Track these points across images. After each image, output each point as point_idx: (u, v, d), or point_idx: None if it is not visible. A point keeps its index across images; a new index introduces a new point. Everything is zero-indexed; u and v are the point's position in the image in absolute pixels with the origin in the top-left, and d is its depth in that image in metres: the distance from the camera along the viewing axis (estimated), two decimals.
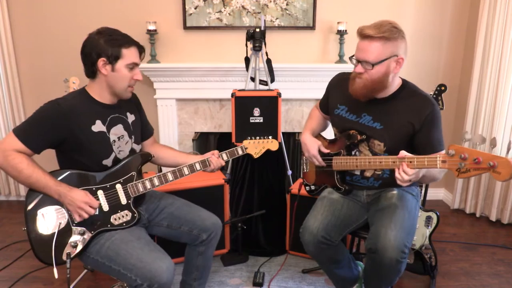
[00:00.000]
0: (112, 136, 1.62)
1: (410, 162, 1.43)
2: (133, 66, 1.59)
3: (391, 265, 1.54)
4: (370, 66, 1.54)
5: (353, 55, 1.60)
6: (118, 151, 1.64)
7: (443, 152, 1.61)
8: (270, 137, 1.86)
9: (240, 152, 1.80)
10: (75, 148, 1.55)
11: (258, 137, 1.85)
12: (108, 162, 1.61)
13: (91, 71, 1.58)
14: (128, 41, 1.57)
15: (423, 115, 1.59)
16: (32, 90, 3.21)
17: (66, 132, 1.52)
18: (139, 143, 1.78)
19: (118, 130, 1.65)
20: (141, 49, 1.63)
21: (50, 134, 1.51)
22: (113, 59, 1.54)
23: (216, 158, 1.75)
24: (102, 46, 1.52)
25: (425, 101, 1.62)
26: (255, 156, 1.85)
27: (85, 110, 1.56)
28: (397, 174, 1.46)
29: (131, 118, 1.73)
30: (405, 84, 1.67)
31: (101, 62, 1.54)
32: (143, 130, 1.84)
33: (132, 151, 1.71)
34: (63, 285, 2.20)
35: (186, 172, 1.71)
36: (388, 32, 1.50)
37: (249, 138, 1.84)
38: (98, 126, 1.58)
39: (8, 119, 3.21)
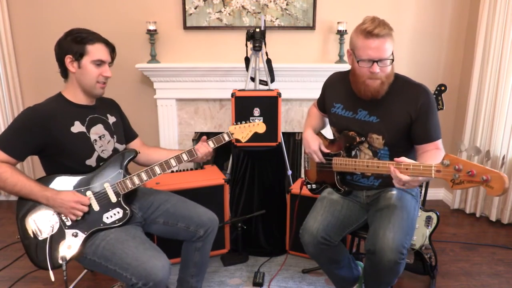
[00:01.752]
0: (93, 136, 1.63)
1: (406, 169, 1.42)
2: (100, 62, 1.60)
3: (389, 267, 1.54)
4: (387, 63, 1.55)
5: (362, 59, 1.55)
6: (100, 151, 1.65)
7: (440, 141, 1.63)
8: (256, 120, 1.83)
9: (227, 138, 1.79)
10: (57, 151, 1.56)
11: (243, 122, 1.83)
12: (91, 162, 1.62)
13: (63, 71, 1.61)
14: (94, 37, 1.58)
15: (418, 104, 1.60)
16: (32, 90, 3.21)
17: (46, 137, 1.53)
18: (122, 143, 1.78)
19: (98, 129, 1.66)
20: (110, 47, 1.64)
21: (30, 141, 1.52)
22: (78, 55, 1.56)
23: (201, 144, 1.74)
24: (68, 44, 1.56)
25: (418, 90, 1.62)
26: (243, 141, 1.82)
27: (62, 113, 1.58)
28: (393, 173, 1.45)
29: (111, 119, 1.75)
30: (396, 76, 1.67)
31: (67, 59, 1.57)
32: (126, 133, 1.85)
33: (115, 150, 1.72)
34: (63, 285, 2.19)
35: (173, 164, 1.70)
36: (390, 28, 1.54)
37: (235, 123, 1.82)
38: (77, 127, 1.59)
39: (8, 119, 3.20)
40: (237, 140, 1.83)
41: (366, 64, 1.55)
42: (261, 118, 2.39)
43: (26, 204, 1.54)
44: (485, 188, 1.25)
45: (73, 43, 1.55)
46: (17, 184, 1.50)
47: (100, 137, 1.65)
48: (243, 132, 1.82)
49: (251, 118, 2.39)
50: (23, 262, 2.41)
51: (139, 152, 1.75)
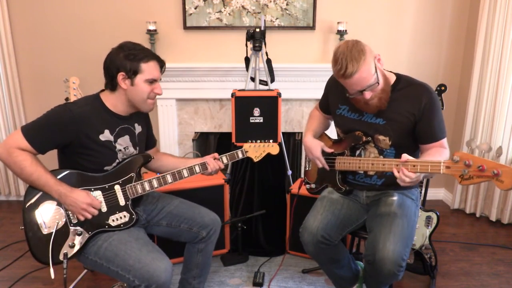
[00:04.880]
0: (118, 146, 1.63)
1: (414, 166, 1.43)
2: (152, 81, 1.60)
3: (388, 277, 1.55)
4: (376, 85, 1.55)
5: (350, 94, 1.60)
6: (121, 160, 1.65)
7: (445, 140, 1.65)
8: (271, 140, 1.86)
9: (240, 155, 1.81)
10: (79, 152, 1.56)
11: (259, 141, 1.84)
12: (109, 167, 1.62)
13: (111, 84, 1.59)
14: (147, 55, 1.57)
15: (422, 104, 1.60)
16: (32, 90, 3.21)
17: (73, 138, 1.52)
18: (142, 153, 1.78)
19: (124, 141, 1.66)
20: (161, 63, 1.64)
21: (57, 138, 1.52)
22: (132, 73, 1.55)
23: (213, 160, 1.75)
24: (121, 61, 1.54)
25: (421, 89, 1.62)
26: (255, 160, 1.85)
27: (95, 119, 1.57)
28: (397, 174, 1.46)
29: (138, 129, 1.74)
30: (399, 77, 1.68)
31: (120, 76, 1.55)
32: (147, 140, 1.85)
33: None
34: (63, 285, 2.20)
35: (186, 175, 1.71)
36: (360, 52, 1.49)
37: (249, 141, 1.84)
38: (106, 135, 1.58)
39: (8, 119, 3.20)
40: (250, 159, 1.85)
41: (357, 95, 1.59)
42: (261, 118, 2.39)
43: (35, 194, 1.54)
44: (495, 182, 1.27)
45: (127, 60, 1.54)
46: (33, 174, 1.49)
47: (124, 148, 1.65)
48: (256, 152, 1.84)
49: (251, 118, 2.39)
50: (23, 262, 2.41)
51: (153, 158, 1.75)
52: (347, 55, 1.49)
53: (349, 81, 1.53)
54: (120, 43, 1.59)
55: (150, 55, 1.59)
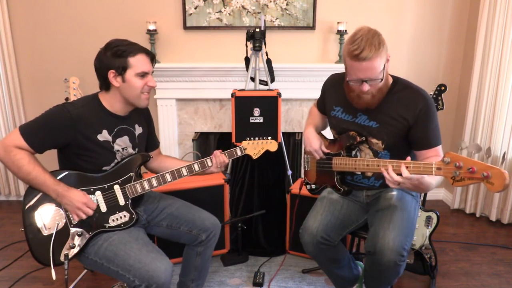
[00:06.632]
0: (117, 146, 1.63)
1: (407, 167, 1.42)
2: (143, 74, 1.59)
3: (389, 267, 1.54)
4: (379, 81, 1.54)
5: (349, 80, 1.56)
6: (120, 160, 1.65)
7: (440, 148, 1.62)
8: (269, 137, 1.85)
9: (239, 153, 1.80)
10: (77, 152, 1.56)
11: (257, 138, 1.84)
12: (108, 168, 1.62)
13: (105, 84, 1.59)
14: (134, 49, 1.56)
15: (416, 110, 1.59)
16: (32, 90, 3.21)
17: (71, 138, 1.52)
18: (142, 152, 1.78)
19: (123, 142, 1.65)
20: (150, 55, 1.62)
21: (54, 138, 1.52)
22: (121, 70, 1.55)
23: (220, 154, 1.74)
24: (109, 59, 1.54)
25: (417, 95, 1.61)
26: (254, 157, 1.84)
27: (93, 119, 1.56)
28: (386, 175, 1.45)
29: (138, 130, 1.73)
30: (396, 80, 1.66)
31: (111, 74, 1.55)
32: (149, 142, 1.84)
33: None
34: (63, 285, 2.20)
35: (185, 173, 1.70)
36: (381, 43, 1.48)
37: (248, 138, 1.83)
38: (104, 135, 1.58)
39: (8, 119, 3.21)
40: (248, 156, 1.84)
41: (356, 83, 1.56)
42: (261, 118, 2.39)
43: (34, 196, 1.54)
44: (485, 184, 1.26)
45: (114, 58, 1.53)
46: (31, 173, 1.49)
47: (123, 148, 1.65)
48: (255, 149, 1.84)
49: (251, 118, 2.39)
50: (23, 262, 2.41)
51: (152, 157, 1.75)
52: (368, 39, 1.47)
53: (358, 64, 1.49)
54: (106, 42, 1.58)
55: (137, 49, 1.57)
